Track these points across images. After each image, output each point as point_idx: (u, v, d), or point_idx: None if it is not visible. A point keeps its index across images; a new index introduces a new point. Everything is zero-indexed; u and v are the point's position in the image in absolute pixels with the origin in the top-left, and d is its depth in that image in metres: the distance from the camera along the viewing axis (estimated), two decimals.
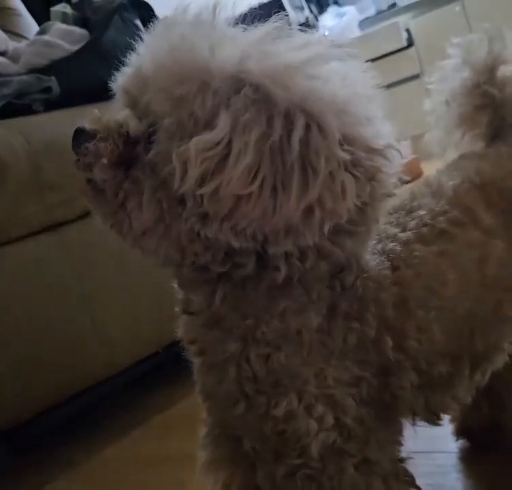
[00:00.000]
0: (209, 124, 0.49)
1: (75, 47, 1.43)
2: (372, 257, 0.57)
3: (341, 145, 0.48)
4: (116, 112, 0.55)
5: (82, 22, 1.57)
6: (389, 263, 0.57)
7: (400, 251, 0.58)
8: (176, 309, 0.59)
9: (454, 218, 0.61)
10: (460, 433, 0.85)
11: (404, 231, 0.60)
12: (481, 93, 0.75)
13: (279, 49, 0.51)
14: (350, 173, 0.48)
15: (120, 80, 0.56)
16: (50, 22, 1.58)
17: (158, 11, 1.59)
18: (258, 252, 0.51)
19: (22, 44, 1.53)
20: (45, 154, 1.22)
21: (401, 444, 0.59)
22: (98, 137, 0.53)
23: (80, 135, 0.54)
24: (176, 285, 0.58)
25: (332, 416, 0.53)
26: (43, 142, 1.23)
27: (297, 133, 0.47)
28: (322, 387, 0.53)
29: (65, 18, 1.59)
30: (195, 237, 0.50)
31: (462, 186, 0.64)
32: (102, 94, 1.42)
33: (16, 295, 1.18)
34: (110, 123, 0.54)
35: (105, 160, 0.52)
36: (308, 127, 0.47)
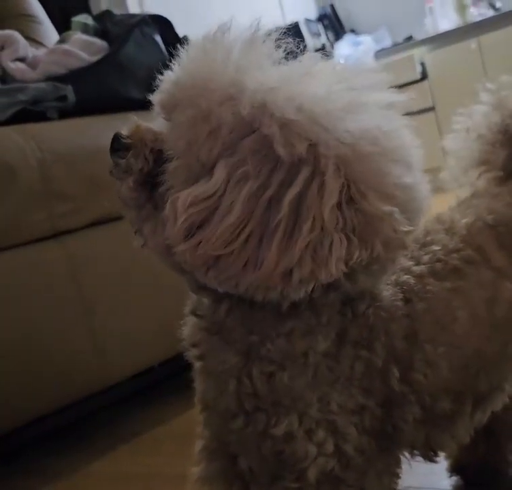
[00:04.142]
0: (210, 172, 0.49)
1: (94, 58, 1.44)
2: (385, 287, 0.57)
3: (340, 206, 0.46)
4: (154, 124, 0.56)
5: (102, 34, 1.59)
6: (402, 294, 0.57)
7: (413, 284, 0.58)
8: (186, 308, 0.60)
9: (467, 256, 0.61)
10: (454, 470, 0.84)
11: (417, 264, 0.60)
12: (506, 136, 0.75)
13: (313, 93, 0.49)
14: (345, 235, 0.46)
15: (158, 95, 0.56)
16: (70, 32, 1.59)
17: (178, 28, 1.61)
18: None
19: (42, 52, 1.54)
20: (56, 162, 1.23)
21: (398, 477, 0.59)
22: (130, 152, 0.54)
23: (116, 142, 0.55)
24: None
25: (333, 443, 0.53)
26: (55, 151, 1.24)
27: (295, 190, 0.46)
28: (325, 412, 0.53)
29: (85, 29, 1.61)
30: None
31: (475, 225, 0.64)
32: (116, 106, 1.45)
33: (14, 301, 1.17)
34: (146, 136, 0.54)
35: (131, 182, 0.53)
36: (307, 184, 0.46)
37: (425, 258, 0.60)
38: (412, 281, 0.58)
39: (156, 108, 0.56)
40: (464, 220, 0.65)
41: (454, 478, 0.85)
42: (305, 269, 0.46)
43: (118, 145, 0.54)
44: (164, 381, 1.37)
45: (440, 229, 0.64)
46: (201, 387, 0.59)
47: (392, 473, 0.58)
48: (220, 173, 0.48)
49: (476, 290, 0.61)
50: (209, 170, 0.49)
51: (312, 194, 0.46)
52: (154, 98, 0.56)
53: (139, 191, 0.53)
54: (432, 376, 0.57)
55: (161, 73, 0.56)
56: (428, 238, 0.63)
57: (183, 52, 0.54)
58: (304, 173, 0.47)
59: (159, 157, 0.53)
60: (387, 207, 0.47)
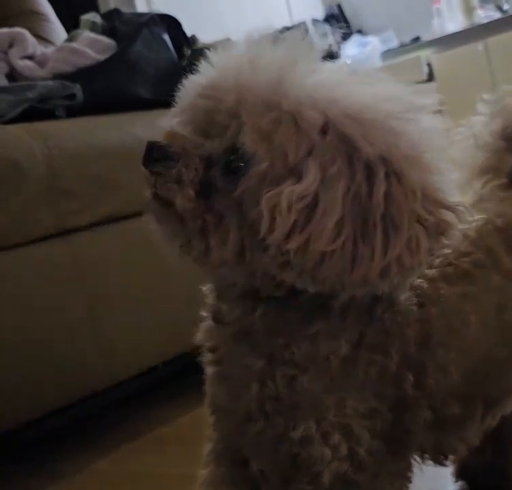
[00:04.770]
0: (296, 171, 0.49)
1: (102, 57, 1.44)
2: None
3: (420, 201, 0.48)
4: (184, 128, 0.54)
5: (110, 32, 1.59)
6: (416, 299, 0.57)
7: (426, 288, 0.58)
8: (203, 314, 0.59)
9: (477, 259, 0.61)
10: (460, 474, 0.84)
11: (429, 268, 0.60)
12: (510, 143, 0.75)
13: (366, 97, 0.51)
14: (423, 227, 0.48)
15: (194, 97, 0.54)
16: (78, 30, 1.59)
17: (186, 27, 1.61)
18: None
19: (50, 50, 1.54)
20: (63, 161, 1.23)
21: (409, 481, 0.59)
22: (180, 160, 0.51)
23: (157, 151, 0.52)
24: (206, 290, 0.59)
25: (346, 446, 0.53)
26: (63, 149, 1.23)
27: (381, 188, 0.48)
28: (340, 416, 0.53)
29: (94, 27, 1.61)
30: (270, 274, 0.51)
31: (485, 228, 0.64)
32: (124, 104, 1.45)
33: (20, 299, 1.17)
34: (188, 144, 0.52)
35: (191, 192, 0.51)
36: (389, 182, 0.48)
37: (437, 261, 0.60)
38: (425, 285, 0.58)
39: (191, 109, 0.54)
40: (475, 224, 0.64)
41: (460, 483, 0.84)
42: (405, 262, 0.48)
43: (159, 154, 0.51)
44: (169, 380, 1.37)
45: None
46: (214, 391, 0.59)
47: (403, 476, 0.58)
48: (314, 171, 0.48)
49: (486, 295, 0.61)
50: (294, 170, 0.49)
51: (398, 192, 0.48)
52: (196, 101, 0.53)
53: (198, 199, 0.51)
54: (443, 381, 0.57)
55: (180, 75, 0.55)
56: None
57: (222, 54, 0.54)
58: (381, 171, 0.48)
59: (207, 165, 0.52)
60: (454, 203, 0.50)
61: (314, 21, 4.36)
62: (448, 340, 0.58)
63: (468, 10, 4.00)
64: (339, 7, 4.61)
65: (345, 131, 0.49)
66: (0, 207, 1.14)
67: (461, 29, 3.94)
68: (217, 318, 0.57)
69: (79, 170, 1.24)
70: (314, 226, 0.47)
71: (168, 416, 1.29)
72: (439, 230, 0.49)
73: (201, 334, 0.60)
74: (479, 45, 3.73)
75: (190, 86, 0.55)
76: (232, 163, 0.51)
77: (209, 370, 0.59)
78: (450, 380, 0.57)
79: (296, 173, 0.49)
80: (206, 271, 0.55)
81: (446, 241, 0.50)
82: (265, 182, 0.49)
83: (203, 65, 0.55)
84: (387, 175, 0.48)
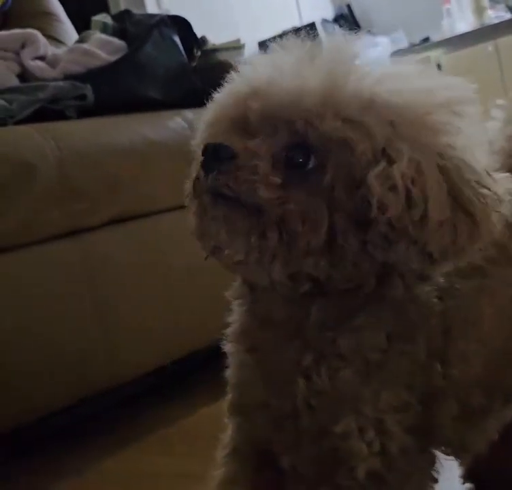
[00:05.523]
0: (385, 154, 0.51)
1: (113, 58, 1.45)
2: (419, 287, 0.58)
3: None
4: (219, 131, 0.56)
5: (120, 33, 1.60)
6: (436, 292, 0.59)
7: (443, 282, 0.59)
8: (229, 318, 0.61)
9: (490, 256, 0.62)
10: (468, 477, 0.84)
11: None
12: None
13: (430, 87, 0.54)
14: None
15: (236, 98, 0.55)
16: (89, 31, 1.60)
17: (197, 28, 1.61)
18: (378, 273, 0.53)
19: (61, 50, 1.55)
20: (74, 161, 1.23)
21: (436, 481, 0.60)
22: (250, 156, 0.52)
23: (221, 152, 0.52)
24: (235, 295, 0.60)
25: (379, 443, 0.54)
26: (74, 149, 1.24)
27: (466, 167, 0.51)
28: (375, 411, 0.54)
29: (104, 28, 1.62)
30: (358, 259, 0.52)
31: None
32: (135, 105, 1.46)
33: (29, 298, 1.18)
34: (249, 145, 0.53)
35: (277, 180, 0.51)
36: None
37: None
38: (441, 279, 0.59)
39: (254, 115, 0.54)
40: None
41: (467, 486, 0.84)
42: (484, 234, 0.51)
43: (226, 153, 0.52)
44: (176, 380, 1.38)
45: None
46: (244, 391, 0.60)
47: (430, 477, 0.59)
48: (406, 152, 0.50)
49: (501, 289, 0.63)
50: (383, 153, 0.51)
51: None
52: (248, 102, 0.54)
53: (281, 190, 0.52)
54: (466, 372, 0.58)
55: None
56: None
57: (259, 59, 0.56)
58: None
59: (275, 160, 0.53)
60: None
61: (324, 21, 4.36)
62: (466, 332, 0.59)
63: (479, 10, 3.99)
64: (349, 7, 4.61)
65: (413, 122, 0.51)
66: (10, 207, 1.15)
67: (471, 29, 3.93)
68: (263, 319, 0.58)
69: (89, 170, 1.25)
70: (432, 198, 0.49)
71: (175, 416, 1.29)
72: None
73: (234, 337, 0.60)
74: (489, 46, 3.73)
75: (229, 94, 0.57)
76: (294, 158, 0.52)
77: (243, 371, 0.60)
78: (472, 370, 0.59)
79: (386, 156, 0.50)
80: (271, 269, 0.53)
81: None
82: (359, 165, 0.51)
83: (241, 70, 0.57)
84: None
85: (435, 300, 0.58)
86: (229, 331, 0.61)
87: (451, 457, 0.64)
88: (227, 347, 0.62)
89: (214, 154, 0.52)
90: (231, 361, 0.62)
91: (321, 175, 0.51)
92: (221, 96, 0.58)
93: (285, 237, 0.51)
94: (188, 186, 0.58)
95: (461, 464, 0.83)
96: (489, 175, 0.53)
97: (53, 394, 1.21)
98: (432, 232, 0.49)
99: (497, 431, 0.66)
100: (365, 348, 0.54)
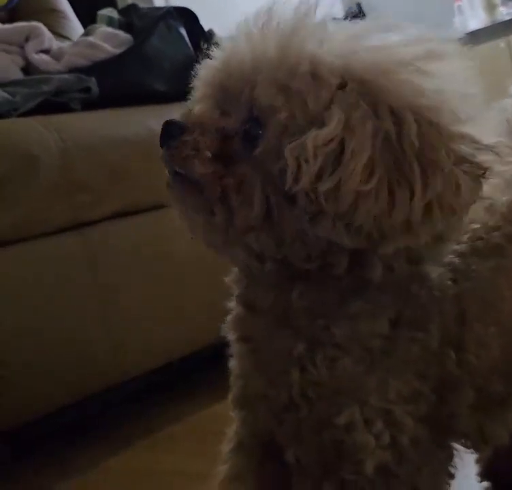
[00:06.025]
0: (317, 120, 0.47)
1: (118, 51, 1.43)
2: (433, 268, 0.55)
3: (456, 141, 0.47)
4: (202, 107, 0.54)
5: (127, 27, 1.58)
6: (450, 274, 0.56)
7: (458, 263, 0.56)
8: (229, 305, 0.58)
9: (509, 233, 0.59)
10: (486, 475, 0.81)
11: (458, 243, 0.58)
12: None
13: (388, 44, 0.50)
14: (462, 170, 0.46)
15: (209, 74, 0.54)
16: (95, 25, 1.59)
17: (204, 21, 1.59)
18: (351, 252, 0.49)
19: (67, 44, 1.53)
20: (78, 153, 1.22)
21: (452, 476, 0.57)
22: (196, 131, 0.51)
23: (172, 128, 0.52)
24: (231, 280, 0.58)
25: (388, 435, 0.51)
26: (78, 142, 1.23)
27: (412, 129, 0.46)
28: (383, 401, 0.51)
29: (111, 22, 1.60)
30: (299, 235, 0.49)
31: None
32: (140, 98, 1.44)
33: (32, 292, 1.16)
34: (203, 118, 0.53)
35: (208, 153, 0.51)
36: (418, 123, 0.46)
37: (465, 237, 0.58)
38: (456, 260, 0.56)
39: (208, 86, 0.54)
40: (505, 198, 0.62)
41: (485, 484, 0.82)
42: (444, 200, 0.46)
43: (175, 129, 0.52)
44: (182, 377, 1.36)
45: (479, 207, 0.61)
46: (248, 381, 0.57)
47: (447, 472, 0.56)
48: (338, 116, 0.47)
49: None
50: (314, 119, 0.48)
51: (429, 131, 0.46)
52: (206, 75, 0.54)
53: (216, 164, 0.51)
54: (484, 357, 0.55)
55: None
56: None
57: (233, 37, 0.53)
58: (409, 116, 0.46)
59: (225, 135, 0.52)
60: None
61: (334, 19, 4.34)
62: (484, 315, 0.56)
63: (490, 7, 3.96)
64: (358, 5, 4.58)
65: (366, 82, 0.47)
66: (14, 200, 1.14)
67: (482, 26, 3.90)
68: (251, 306, 0.55)
69: (93, 163, 1.23)
70: (344, 168, 0.45)
71: (180, 413, 1.28)
72: (478, 171, 0.47)
73: (231, 325, 0.58)
74: (501, 43, 3.70)
75: (206, 69, 0.55)
76: (250, 131, 0.50)
77: (242, 361, 0.57)
78: (491, 355, 0.56)
79: (318, 123, 0.47)
80: (233, 248, 0.53)
81: (485, 184, 0.48)
82: (287, 134, 0.48)
83: (216, 50, 0.55)
84: (416, 120, 0.46)
85: (449, 283, 0.55)
86: (228, 318, 0.59)
87: (471, 450, 0.60)
88: (229, 335, 0.60)
89: (166, 130, 0.52)
90: (233, 350, 0.59)
91: (254, 146, 0.50)
92: (202, 73, 0.56)
93: (226, 212, 0.50)
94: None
95: (478, 461, 0.81)
96: (476, 141, 0.48)
97: (56, 391, 1.19)
98: (347, 204, 0.45)
99: None
100: (363, 336, 0.51)
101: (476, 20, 4.00)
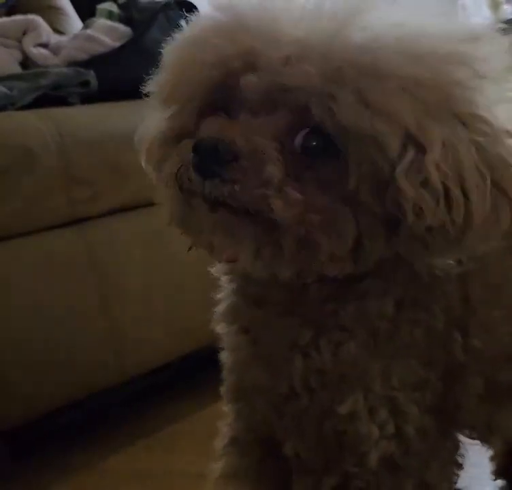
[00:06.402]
0: (411, 139, 0.42)
1: (117, 44, 1.41)
2: None
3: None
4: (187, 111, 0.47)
5: (126, 21, 1.56)
6: None
7: None
8: (218, 295, 0.56)
9: None
10: (500, 473, 0.80)
11: None
12: None
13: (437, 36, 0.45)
14: None
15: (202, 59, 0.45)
16: (94, 18, 1.57)
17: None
18: None
19: (65, 38, 1.51)
20: (76, 148, 1.20)
21: (461, 467, 0.55)
22: (255, 155, 0.42)
23: (215, 152, 0.42)
24: (224, 272, 0.54)
25: (393, 424, 0.49)
26: (76, 136, 1.20)
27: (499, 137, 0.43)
28: (387, 388, 0.49)
29: (110, 16, 1.58)
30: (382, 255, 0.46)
31: None
32: (139, 91, 1.41)
33: (30, 287, 1.14)
34: (248, 134, 0.43)
35: (297, 194, 0.42)
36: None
37: None
38: None
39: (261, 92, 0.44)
40: None
41: (499, 482, 0.81)
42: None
43: (227, 154, 0.42)
44: (182, 377, 1.34)
45: None
46: (244, 374, 0.55)
47: (455, 463, 0.54)
48: (439, 135, 0.42)
49: None
50: (411, 139, 0.42)
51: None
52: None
53: (304, 203, 0.43)
54: (491, 342, 0.52)
55: None
56: None
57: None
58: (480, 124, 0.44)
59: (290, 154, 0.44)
60: None
61: None
62: (489, 297, 0.53)
63: (495, 5, 3.92)
64: None
65: (439, 91, 0.43)
66: (12, 194, 1.12)
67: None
68: (254, 298, 0.52)
69: (92, 157, 1.21)
70: (473, 195, 0.42)
71: (181, 413, 1.26)
72: None
73: (224, 316, 0.55)
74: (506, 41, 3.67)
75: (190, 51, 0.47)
76: (307, 144, 0.43)
77: (238, 352, 0.55)
78: (499, 341, 0.53)
79: (413, 142, 0.41)
80: (283, 271, 0.47)
81: None
82: (388, 159, 0.42)
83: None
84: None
85: (452, 262, 0.51)
86: (218, 309, 0.56)
87: (476, 442, 0.58)
88: (219, 327, 0.57)
89: (213, 155, 0.42)
90: (225, 342, 0.57)
91: (339, 171, 0.42)
92: (188, 47, 0.49)
93: (305, 249, 0.44)
94: (167, 171, 0.48)
95: (493, 459, 0.79)
96: None
97: (56, 392, 1.17)
98: (477, 231, 0.42)
99: None
100: (372, 317, 0.49)
101: (480, 18, 3.97)
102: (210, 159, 0.42)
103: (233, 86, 0.44)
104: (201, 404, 1.23)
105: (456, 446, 0.55)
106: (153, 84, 0.50)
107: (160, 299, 1.29)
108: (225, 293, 0.56)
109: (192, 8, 1.44)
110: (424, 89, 0.42)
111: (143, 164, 0.53)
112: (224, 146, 0.42)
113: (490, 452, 0.78)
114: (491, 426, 0.57)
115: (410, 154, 0.41)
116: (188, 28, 0.49)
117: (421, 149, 0.41)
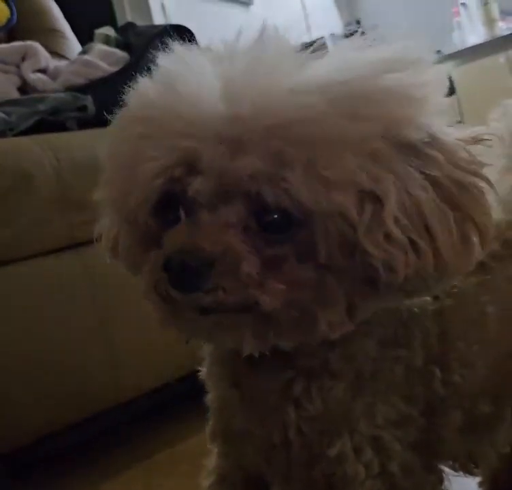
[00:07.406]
0: (369, 193, 0.42)
1: (114, 69, 1.43)
2: None
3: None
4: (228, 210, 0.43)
5: (124, 46, 1.58)
6: None
7: None
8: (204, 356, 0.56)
9: (494, 251, 0.58)
10: (486, 485, 0.79)
11: None
12: None
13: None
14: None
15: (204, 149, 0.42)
16: (92, 43, 1.58)
17: (202, 40, 1.59)
18: None
19: (63, 63, 1.53)
20: (73, 172, 1.20)
21: None
22: (240, 257, 0.41)
23: (193, 265, 0.41)
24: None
25: (378, 463, 0.49)
26: (73, 161, 1.21)
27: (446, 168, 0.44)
28: (371, 427, 0.49)
29: (107, 41, 1.60)
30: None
31: (504, 221, 0.60)
32: None
33: (30, 311, 1.14)
34: (226, 238, 0.42)
35: (278, 285, 0.41)
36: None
37: None
38: None
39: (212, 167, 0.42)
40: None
41: None
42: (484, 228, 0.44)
43: (202, 266, 0.41)
44: (180, 399, 1.33)
45: None
46: (227, 419, 0.55)
47: None
48: (392, 184, 0.42)
49: (505, 285, 0.57)
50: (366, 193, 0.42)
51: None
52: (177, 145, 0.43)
53: (290, 292, 0.43)
54: (470, 377, 0.53)
55: None
56: None
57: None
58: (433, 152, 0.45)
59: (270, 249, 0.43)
60: None
61: (333, 36, 4.36)
62: (468, 333, 0.54)
63: (489, 22, 3.96)
64: (358, 22, 4.60)
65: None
66: (10, 219, 1.13)
67: (482, 42, 3.90)
68: (248, 357, 0.49)
69: (88, 182, 1.20)
70: (438, 234, 0.42)
71: (178, 437, 1.25)
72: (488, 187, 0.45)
73: (215, 369, 0.56)
74: (501, 58, 3.70)
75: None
76: (274, 220, 0.42)
77: (227, 402, 0.55)
78: (477, 375, 0.54)
79: (369, 196, 0.41)
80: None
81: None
82: (352, 226, 0.41)
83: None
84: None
85: (429, 299, 0.53)
86: (206, 355, 0.56)
87: (460, 474, 0.59)
88: (204, 372, 0.57)
89: (186, 270, 0.41)
90: (210, 386, 0.57)
91: (312, 240, 0.42)
92: (125, 143, 0.48)
93: (303, 325, 0.44)
94: (145, 281, 0.48)
95: (481, 485, 0.79)
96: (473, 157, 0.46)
97: (52, 413, 1.16)
98: (452, 264, 0.43)
99: (508, 443, 0.60)
100: (357, 359, 0.49)
101: (476, 35, 4.00)
102: (185, 275, 0.41)
103: (182, 188, 0.44)
104: (200, 427, 1.22)
105: (440, 478, 0.55)
106: (100, 193, 0.51)
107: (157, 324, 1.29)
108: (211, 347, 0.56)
109: (189, 34, 1.46)
110: (366, 140, 0.41)
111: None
112: (196, 258, 0.41)
113: (477, 479, 0.78)
114: (471, 457, 0.57)
115: (368, 210, 0.41)
116: (119, 125, 0.49)
117: (378, 201, 0.41)
